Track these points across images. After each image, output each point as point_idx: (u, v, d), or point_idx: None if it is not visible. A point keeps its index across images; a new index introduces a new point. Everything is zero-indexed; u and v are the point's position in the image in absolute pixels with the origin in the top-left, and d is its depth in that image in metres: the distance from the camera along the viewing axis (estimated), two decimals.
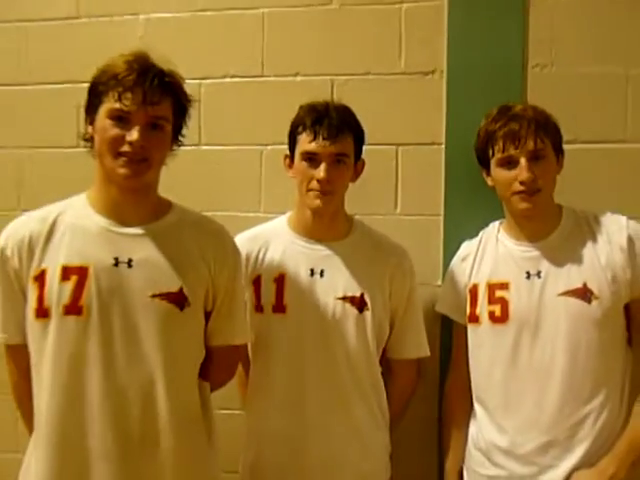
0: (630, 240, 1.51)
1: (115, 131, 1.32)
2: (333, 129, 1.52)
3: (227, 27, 1.96)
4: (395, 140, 1.88)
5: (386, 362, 1.70)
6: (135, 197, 1.40)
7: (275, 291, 1.60)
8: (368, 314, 1.59)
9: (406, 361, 1.70)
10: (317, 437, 1.58)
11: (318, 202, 1.55)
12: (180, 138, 1.46)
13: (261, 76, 1.93)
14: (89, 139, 1.39)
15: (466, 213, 1.81)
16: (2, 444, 2.00)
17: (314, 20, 1.91)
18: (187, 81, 1.91)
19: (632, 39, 1.78)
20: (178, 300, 1.37)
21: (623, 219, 1.55)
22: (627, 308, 1.54)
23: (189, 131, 1.93)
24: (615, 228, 1.54)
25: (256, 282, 1.63)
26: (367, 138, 1.65)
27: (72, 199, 1.45)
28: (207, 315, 1.46)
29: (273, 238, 1.67)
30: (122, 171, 1.33)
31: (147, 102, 1.32)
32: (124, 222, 1.39)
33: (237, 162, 1.96)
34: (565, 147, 1.60)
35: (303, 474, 1.59)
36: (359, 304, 1.58)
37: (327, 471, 1.58)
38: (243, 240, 1.68)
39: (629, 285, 1.51)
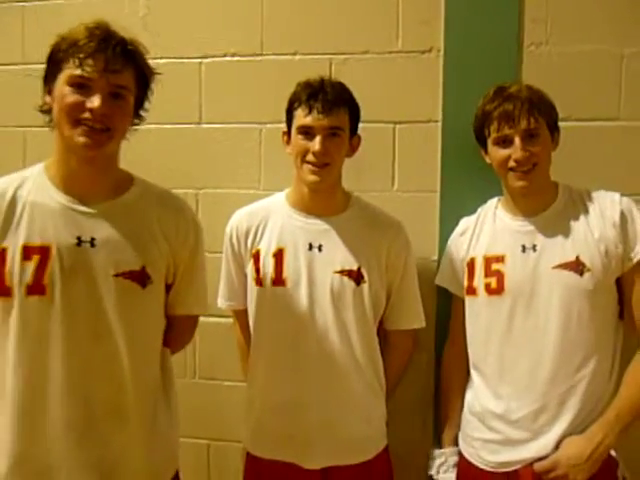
0: (623, 216, 1.54)
1: (75, 97, 1.27)
2: (328, 103, 1.55)
3: (227, 6, 1.96)
4: (392, 118, 1.88)
5: (383, 333, 1.73)
6: (95, 170, 1.35)
7: (274, 265, 1.63)
8: (365, 287, 1.62)
9: (402, 332, 1.73)
10: (316, 406, 1.61)
11: (313, 177, 1.57)
12: (142, 114, 1.41)
13: (260, 55, 1.94)
14: (47, 111, 1.33)
15: (461, 189, 1.83)
16: None
17: None
18: (188, 60, 1.97)
19: (626, 18, 1.78)
20: (140, 278, 1.36)
21: (616, 195, 1.57)
22: (619, 283, 1.57)
23: (190, 109, 1.99)
24: (608, 204, 1.56)
25: (255, 256, 1.66)
26: (365, 116, 1.67)
27: (28, 171, 1.39)
28: (168, 286, 1.47)
29: (272, 213, 1.69)
30: (82, 140, 1.27)
31: (109, 70, 1.27)
32: (85, 198, 1.35)
33: (237, 140, 1.97)
34: (559, 124, 1.61)
35: (301, 442, 1.62)
36: (356, 277, 1.61)
37: (325, 439, 1.61)
38: (242, 215, 1.72)
39: (620, 260, 1.54)
